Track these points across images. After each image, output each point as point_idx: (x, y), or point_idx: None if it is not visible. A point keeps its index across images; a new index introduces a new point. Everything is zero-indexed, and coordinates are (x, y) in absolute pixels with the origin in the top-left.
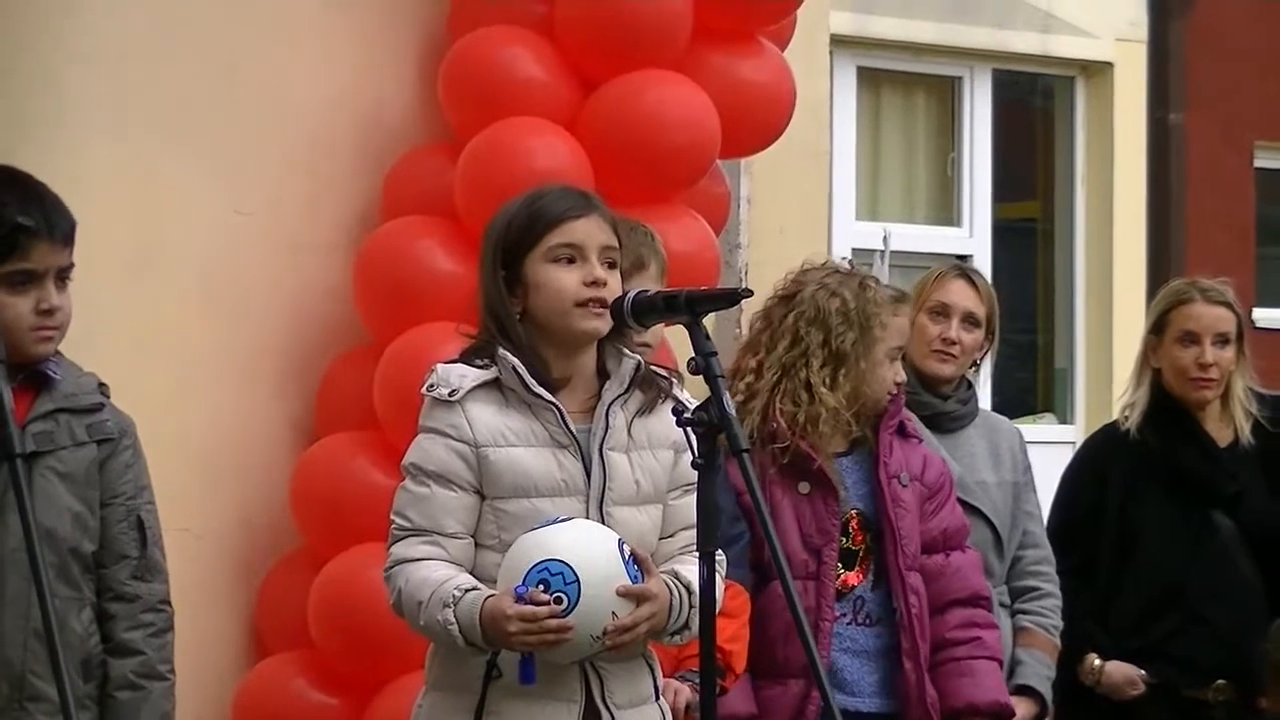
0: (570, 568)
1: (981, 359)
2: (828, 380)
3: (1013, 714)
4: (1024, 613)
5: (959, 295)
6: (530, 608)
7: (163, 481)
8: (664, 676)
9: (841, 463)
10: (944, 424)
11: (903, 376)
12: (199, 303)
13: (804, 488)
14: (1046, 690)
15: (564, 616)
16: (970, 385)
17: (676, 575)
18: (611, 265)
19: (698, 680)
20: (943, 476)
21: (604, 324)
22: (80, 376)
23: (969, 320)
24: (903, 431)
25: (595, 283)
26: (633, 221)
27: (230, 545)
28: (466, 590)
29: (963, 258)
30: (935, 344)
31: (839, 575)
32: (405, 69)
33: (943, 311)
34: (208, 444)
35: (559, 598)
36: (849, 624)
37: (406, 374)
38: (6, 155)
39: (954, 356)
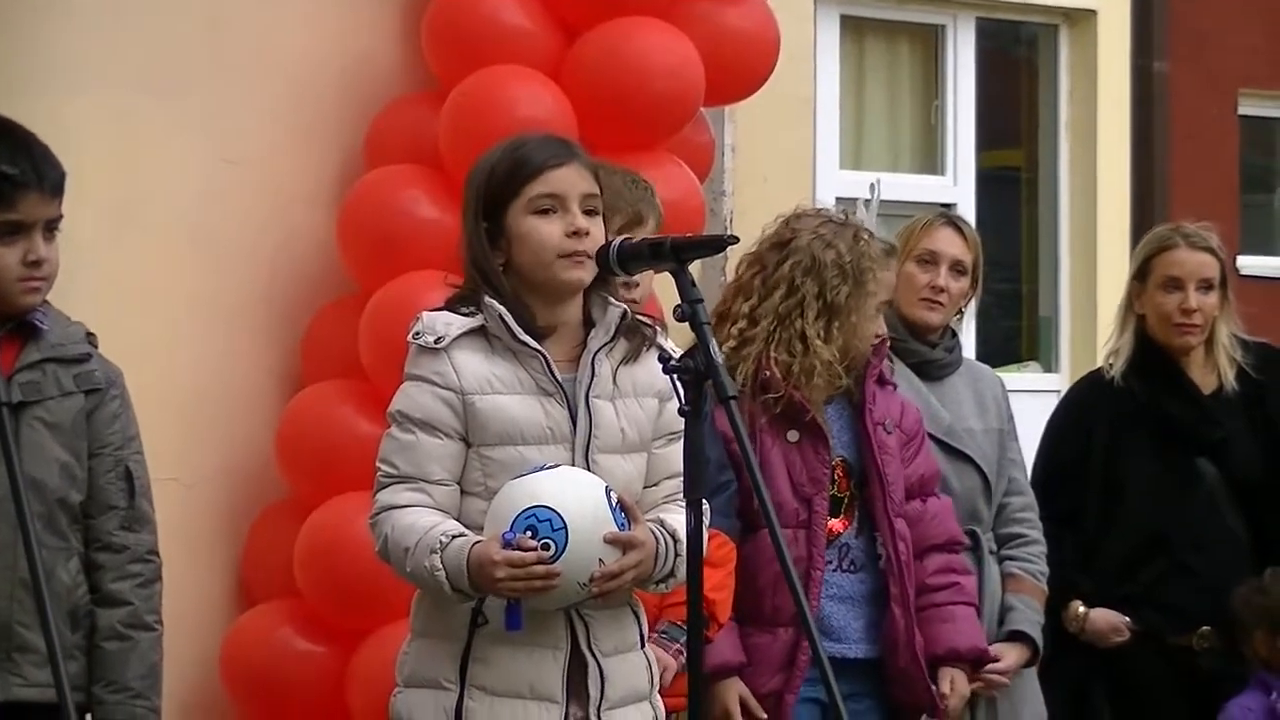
0: (558, 514)
1: (966, 306)
2: (822, 332)
3: (991, 659)
4: (1011, 559)
5: (947, 243)
6: (518, 554)
7: (149, 431)
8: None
9: (826, 411)
10: (931, 371)
11: (884, 328)
12: (184, 253)
13: (793, 436)
14: (1038, 635)
15: (551, 563)
16: (955, 334)
17: (662, 523)
18: (593, 213)
19: (679, 635)
20: (918, 423)
21: (587, 274)
22: (68, 326)
23: (956, 268)
24: (880, 379)
25: (577, 233)
26: (633, 175)
27: (216, 495)
28: (454, 536)
29: (947, 206)
30: (924, 292)
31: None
32: (389, 18)
33: (931, 260)
34: (193, 394)
35: (546, 544)
36: (835, 570)
37: (391, 322)
38: None
39: (941, 305)
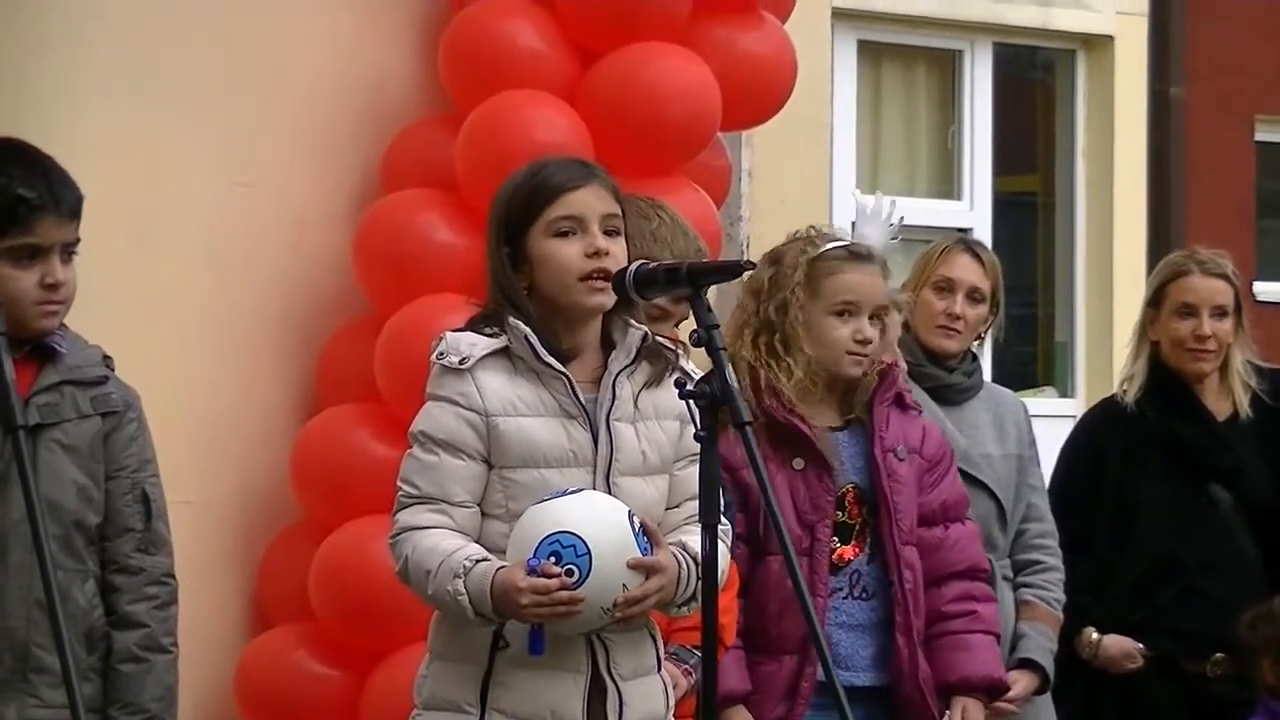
0: (582, 540)
1: (986, 331)
2: (780, 348)
3: (1007, 689)
4: (1027, 586)
5: (964, 270)
6: (542, 580)
7: (164, 454)
8: None
9: (838, 437)
10: (949, 396)
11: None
12: (200, 275)
13: (798, 463)
14: (1049, 663)
15: (575, 589)
16: (975, 358)
17: (684, 547)
18: (614, 233)
19: (688, 657)
20: (942, 448)
21: (608, 298)
22: (85, 349)
23: (973, 295)
24: (901, 403)
25: (597, 253)
26: (640, 203)
27: (231, 517)
28: (477, 561)
29: (964, 231)
30: (940, 319)
31: (834, 550)
32: (406, 41)
33: (948, 287)
34: (209, 416)
35: (570, 570)
36: (845, 598)
37: (408, 346)
38: (7, 127)
39: (958, 331)
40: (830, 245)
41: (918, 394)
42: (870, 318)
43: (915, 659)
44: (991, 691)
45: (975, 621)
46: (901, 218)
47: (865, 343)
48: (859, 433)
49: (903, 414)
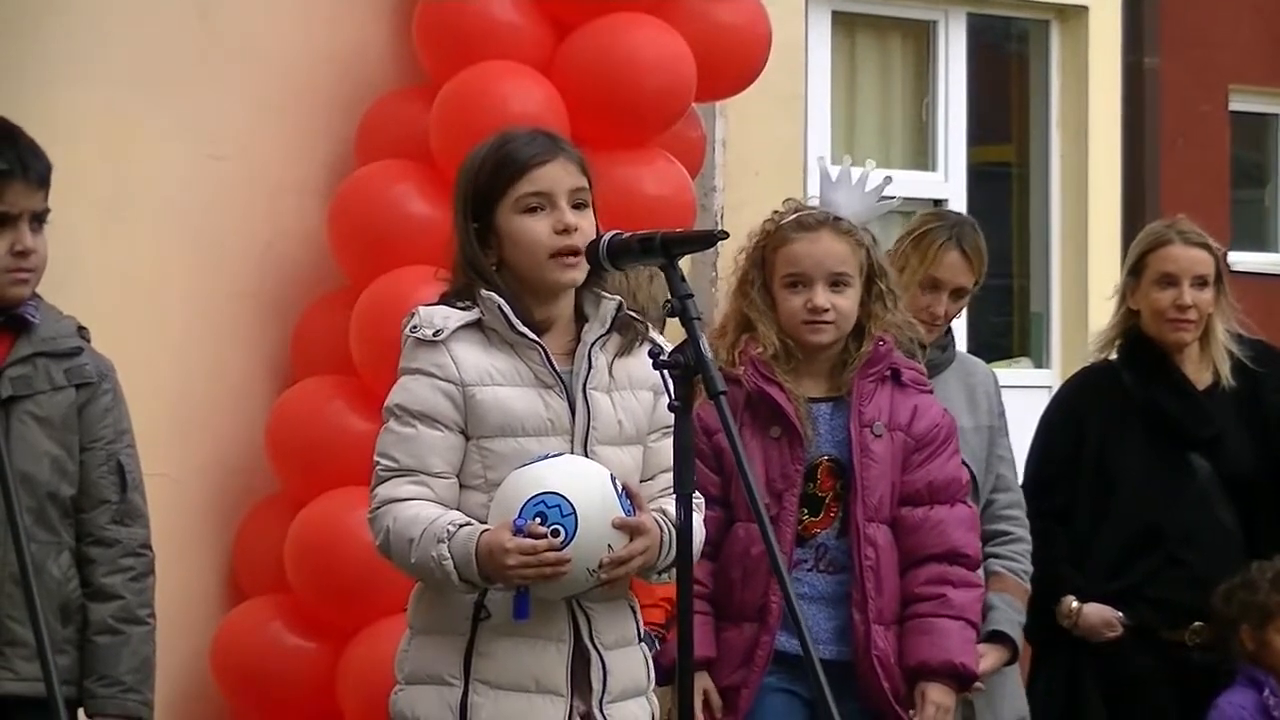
0: (567, 500)
1: (964, 305)
2: (751, 322)
3: (974, 677)
4: (995, 557)
5: (951, 271)
6: (529, 540)
7: (139, 426)
8: None
9: (820, 408)
10: None
11: (822, 303)
12: (174, 247)
13: (775, 431)
14: (1017, 635)
15: (561, 549)
16: (949, 330)
17: (664, 513)
18: (582, 206)
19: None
20: (936, 429)
21: (579, 274)
22: (60, 320)
23: (957, 292)
24: (898, 379)
25: (566, 229)
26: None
27: (207, 490)
28: (461, 525)
29: (939, 202)
30: (922, 315)
31: (802, 521)
32: (380, 13)
33: (934, 287)
34: (183, 388)
35: (556, 530)
36: (809, 570)
37: (383, 318)
38: None
39: (938, 325)
40: (786, 219)
41: (916, 371)
42: (833, 285)
43: (869, 635)
44: (955, 677)
45: (944, 606)
46: (888, 179)
47: (818, 311)
48: (844, 406)
49: (898, 390)
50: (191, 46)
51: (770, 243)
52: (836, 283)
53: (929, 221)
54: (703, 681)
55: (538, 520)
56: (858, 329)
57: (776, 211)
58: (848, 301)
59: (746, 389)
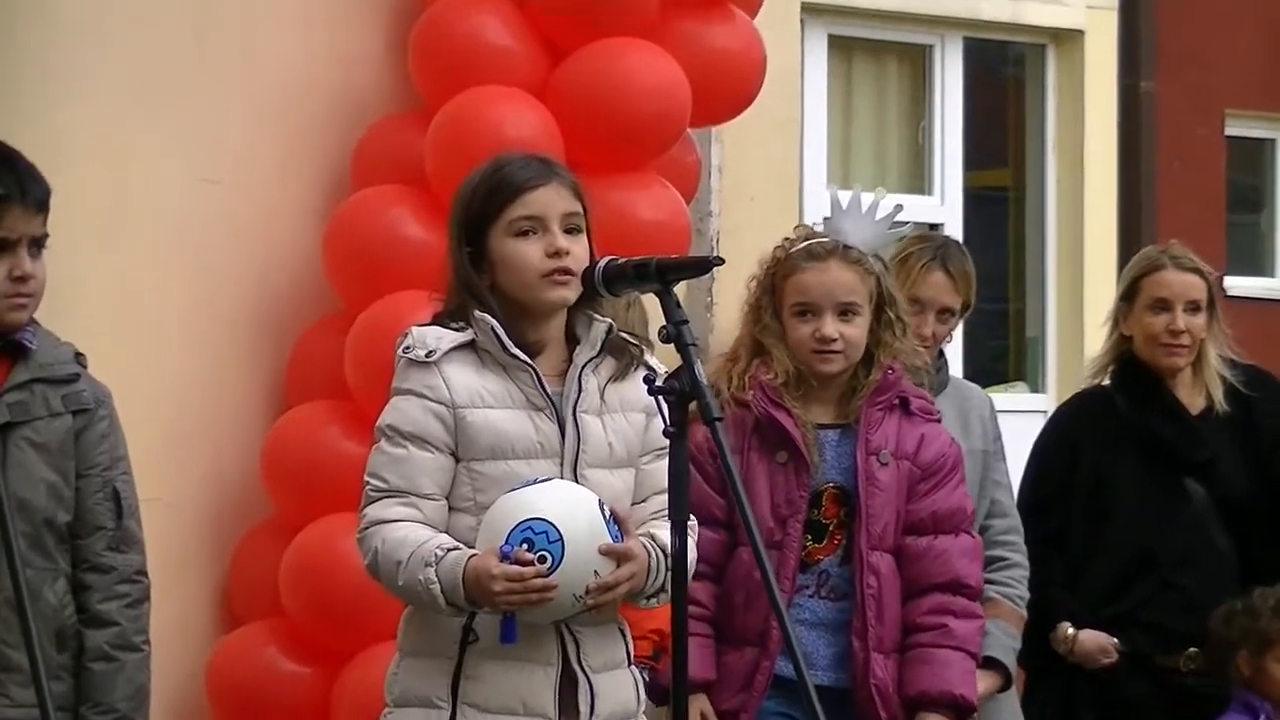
0: (554, 526)
1: (954, 328)
2: (763, 348)
3: (972, 709)
4: (990, 583)
5: (936, 290)
6: (516, 567)
7: (134, 451)
8: None
9: (827, 435)
10: None
11: (830, 333)
12: (170, 271)
13: (782, 456)
14: (1011, 661)
15: (548, 575)
16: (942, 353)
17: (653, 538)
18: (574, 230)
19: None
20: (943, 458)
21: (571, 292)
22: (57, 346)
23: (944, 313)
24: (906, 408)
25: (558, 253)
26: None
27: (202, 515)
28: (449, 550)
29: (935, 226)
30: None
31: (805, 547)
32: (375, 37)
33: (918, 307)
34: (179, 413)
35: (543, 556)
36: (810, 596)
37: (378, 342)
38: None
39: (926, 347)
40: (796, 247)
41: (926, 401)
42: (842, 314)
43: (868, 663)
44: (955, 709)
45: (945, 636)
46: (898, 206)
47: (826, 340)
48: (851, 434)
49: (905, 419)
50: (187, 70)
51: (780, 270)
52: (845, 311)
53: (914, 244)
54: (701, 704)
55: (525, 546)
56: (867, 356)
57: (787, 239)
58: (856, 330)
59: (755, 413)
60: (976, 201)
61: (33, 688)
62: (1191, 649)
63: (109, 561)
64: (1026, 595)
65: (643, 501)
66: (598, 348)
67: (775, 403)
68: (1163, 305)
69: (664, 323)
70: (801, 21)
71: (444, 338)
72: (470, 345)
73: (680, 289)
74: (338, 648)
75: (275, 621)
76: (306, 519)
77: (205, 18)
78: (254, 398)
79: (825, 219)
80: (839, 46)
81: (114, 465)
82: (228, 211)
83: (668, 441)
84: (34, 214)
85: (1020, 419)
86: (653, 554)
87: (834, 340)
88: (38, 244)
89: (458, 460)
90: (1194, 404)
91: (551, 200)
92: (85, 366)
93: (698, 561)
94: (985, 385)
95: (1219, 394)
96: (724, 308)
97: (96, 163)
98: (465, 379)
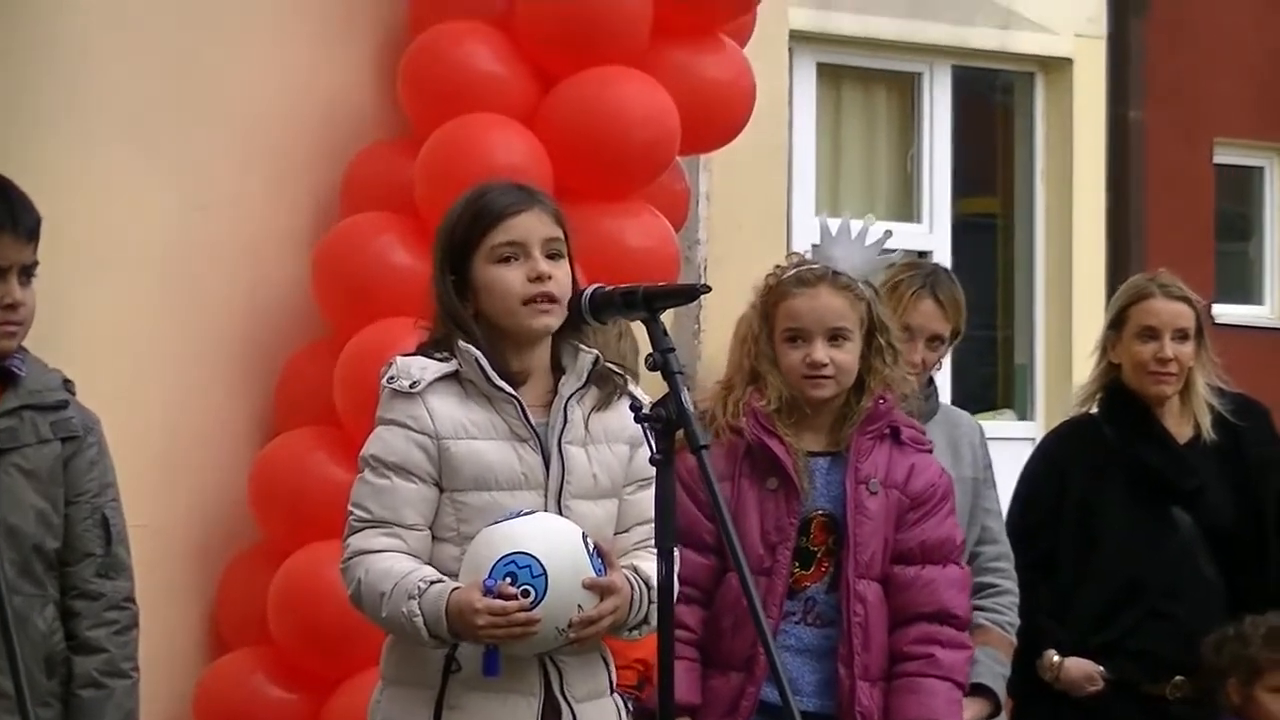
0: (537, 560)
1: (943, 355)
2: (756, 375)
3: None
4: (980, 609)
5: (925, 318)
6: (499, 601)
7: (122, 477)
8: None
9: (818, 462)
10: None
11: (820, 359)
12: (157, 298)
13: (772, 483)
14: (1000, 689)
15: (531, 609)
16: (931, 380)
17: (636, 570)
18: (556, 256)
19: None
20: (933, 488)
21: (554, 319)
22: (46, 373)
23: (933, 340)
24: (896, 437)
25: (539, 278)
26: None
27: (189, 541)
28: (432, 582)
29: (924, 254)
30: None
31: (793, 574)
32: (364, 64)
33: (908, 336)
34: (167, 439)
35: (526, 590)
36: (797, 623)
37: (366, 369)
38: None
39: (915, 374)
40: (788, 273)
41: (916, 430)
42: (832, 339)
43: (854, 691)
44: None
45: (932, 665)
46: (888, 233)
47: (816, 366)
48: (841, 461)
49: (896, 448)
50: (174, 96)
51: (771, 297)
52: (835, 337)
53: (904, 271)
54: None
55: (508, 580)
56: (859, 383)
57: (779, 266)
58: (847, 356)
59: (747, 439)
60: (965, 229)
61: (19, 715)
62: (1178, 677)
63: (98, 588)
64: (1017, 622)
65: (625, 531)
66: (584, 379)
67: (767, 429)
68: (1151, 334)
69: (650, 351)
70: (790, 49)
71: (428, 368)
72: (454, 375)
73: (668, 317)
74: (325, 674)
75: (263, 648)
76: (294, 545)
77: (192, 45)
78: (242, 424)
79: (815, 246)
80: (828, 75)
81: (103, 492)
82: (217, 238)
83: (653, 471)
84: (25, 242)
85: (1008, 446)
86: (636, 587)
87: (824, 365)
88: (27, 272)
89: (441, 491)
90: (1182, 433)
91: (533, 226)
92: (74, 393)
93: (684, 586)
94: (974, 412)
95: (1207, 423)
96: (711, 335)
97: (82, 193)
98: (449, 409)
